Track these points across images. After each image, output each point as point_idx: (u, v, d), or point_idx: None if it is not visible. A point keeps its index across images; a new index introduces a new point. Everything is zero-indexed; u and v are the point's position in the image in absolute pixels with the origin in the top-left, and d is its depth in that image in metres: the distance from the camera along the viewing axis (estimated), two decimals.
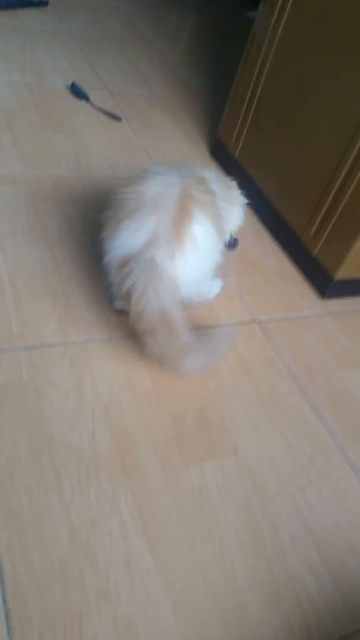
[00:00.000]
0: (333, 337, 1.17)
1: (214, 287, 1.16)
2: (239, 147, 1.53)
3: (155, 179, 0.91)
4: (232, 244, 1.12)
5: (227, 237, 1.07)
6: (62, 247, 1.15)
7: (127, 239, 0.89)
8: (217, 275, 1.18)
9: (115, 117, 1.64)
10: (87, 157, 1.45)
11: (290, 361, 1.08)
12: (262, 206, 1.43)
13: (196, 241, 0.90)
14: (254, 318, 1.16)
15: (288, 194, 1.35)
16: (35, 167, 1.35)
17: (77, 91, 1.68)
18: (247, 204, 1.12)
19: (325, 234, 1.24)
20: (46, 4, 2.26)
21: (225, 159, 1.59)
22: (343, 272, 1.22)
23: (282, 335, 1.14)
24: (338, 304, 1.26)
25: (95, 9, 2.46)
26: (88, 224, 1.24)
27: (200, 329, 1.09)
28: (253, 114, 1.47)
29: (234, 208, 1.08)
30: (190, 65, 2.22)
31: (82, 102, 1.67)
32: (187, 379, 0.98)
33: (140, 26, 2.45)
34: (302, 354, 1.11)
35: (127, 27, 2.38)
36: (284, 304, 1.22)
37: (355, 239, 1.16)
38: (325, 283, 1.25)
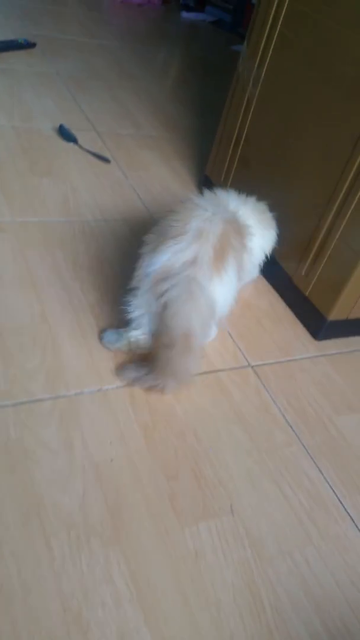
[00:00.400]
0: (329, 381, 1.15)
1: (212, 331, 1.15)
2: (228, 185, 1.53)
3: (198, 212, 0.97)
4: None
5: (262, 258, 1.20)
6: (51, 296, 1.13)
7: (169, 256, 0.93)
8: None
9: (103, 159, 1.64)
10: (76, 201, 1.44)
11: (287, 408, 1.06)
12: None
13: (228, 275, 0.96)
14: (249, 363, 1.14)
15: (279, 234, 1.34)
16: (23, 213, 1.34)
17: (65, 133, 1.69)
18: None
19: (317, 275, 1.23)
20: (33, 45, 2.29)
21: None
22: (336, 314, 1.20)
23: (277, 380, 1.11)
24: (332, 345, 1.24)
25: (81, 48, 2.49)
26: (77, 269, 1.22)
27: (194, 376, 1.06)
28: (241, 153, 1.48)
29: (267, 230, 1.20)
30: (178, 103, 2.24)
31: (71, 145, 1.67)
32: (181, 431, 0.95)
33: (127, 64, 2.48)
34: (298, 400, 1.08)
35: (114, 65, 2.41)
36: (278, 346, 1.20)
37: (346, 280, 1.15)
38: (318, 324, 1.23)
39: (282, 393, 1.09)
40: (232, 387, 1.07)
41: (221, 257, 0.94)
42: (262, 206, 1.20)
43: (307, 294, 1.26)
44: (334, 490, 0.94)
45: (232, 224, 1.00)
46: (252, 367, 1.13)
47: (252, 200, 1.17)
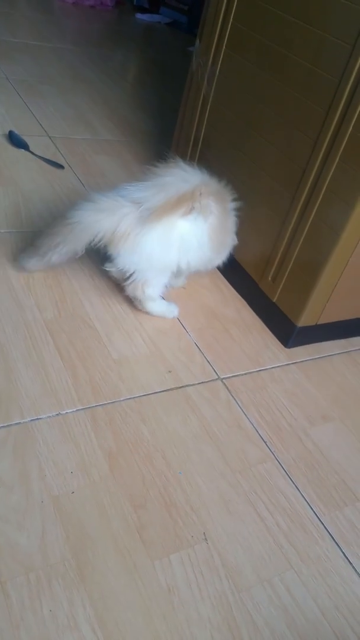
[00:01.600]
0: (301, 390, 1.10)
1: (168, 312, 1.18)
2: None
3: (176, 172, 1.06)
4: None
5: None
6: (2, 313, 1.05)
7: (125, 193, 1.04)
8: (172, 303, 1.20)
9: (57, 165, 1.57)
10: (29, 211, 1.37)
11: (259, 421, 1.01)
12: None
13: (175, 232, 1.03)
14: (218, 375, 1.08)
15: (242, 238, 1.29)
16: None
17: (15, 139, 1.60)
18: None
19: (284, 280, 1.18)
20: None
21: None
22: (305, 319, 1.16)
23: (248, 392, 1.06)
24: (303, 352, 1.20)
25: (33, 52, 2.41)
26: (31, 285, 1.15)
27: (160, 392, 1.00)
28: (200, 154, 1.43)
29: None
30: (134, 106, 2.18)
31: (21, 151, 1.59)
32: (148, 455, 0.89)
33: (81, 67, 2.41)
34: (271, 413, 1.03)
35: (67, 69, 2.34)
36: (248, 356, 1.15)
37: (314, 285, 1.11)
38: (287, 331, 1.19)
39: (254, 406, 1.03)
40: (201, 403, 1.01)
41: (171, 210, 1.00)
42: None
43: (274, 300, 1.21)
44: (312, 508, 0.89)
45: (210, 187, 1.06)
46: (222, 379, 1.08)
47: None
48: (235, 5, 1.20)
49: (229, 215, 1.12)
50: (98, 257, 1.27)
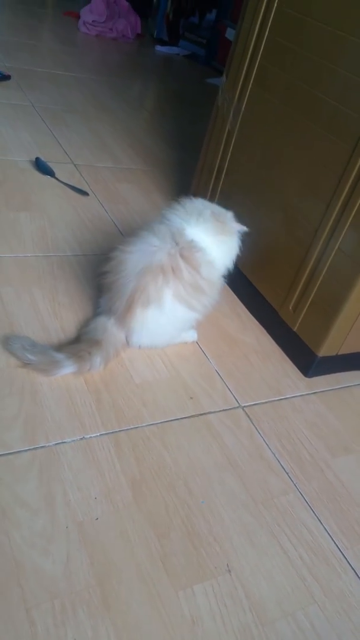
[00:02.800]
0: (322, 420, 1.10)
1: (188, 337, 1.19)
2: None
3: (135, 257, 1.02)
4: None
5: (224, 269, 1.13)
6: (29, 336, 1.07)
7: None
8: (193, 326, 1.20)
9: (82, 192, 1.60)
10: (54, 235, 1.39)
11: (281, 452, 1.00)
12: (237, 279, 1.38)
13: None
14: (239, 403, 1.08)
15: (263, 268, 1.31)
16: None
17: (42, 166, 1.64)
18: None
19: (305, 310, 1.19)
20: (9, 77, 2.26)
21: None
22: (326, 350, 1.16)
23: (269, 421, 1.06)
24: (323, 382, 1.20)
25: (57, 81, 2.47)
26: (57, 307, 1.16)
27: (182, 419, 1.01)
28: (222, 185, 1.45)
29: (225, 242, 1.11)
30: (155, 135, 2.23)
31: (48, 178, 1.62)
32: (171, 483, 0.89)
33: (103, 97, 2.47)
34: (292, 443, 1.03)
35: (90, 98, 2.40)
36: (268, 384, 1.15)
37: (336, 315, 1.12)
38: (308, 361, 1.19)
39: (275, 435, 1.03)
40: (223, 431, 1.01)
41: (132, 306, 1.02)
42: (226, 215, 1.12)
43: (295, 329, 1.22)
44: (334, 541, 0.88)
45: (171, 260, 1.01)
46: (243, 407, 1.08)
47: (210, 211, 1.10)
48: (263, 45, 1.24)
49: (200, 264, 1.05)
50: None
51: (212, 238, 1.07)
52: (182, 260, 1.02)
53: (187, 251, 1.02)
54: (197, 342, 1.20)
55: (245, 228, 1.13)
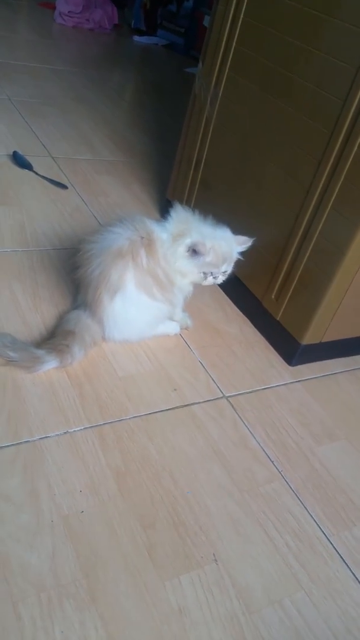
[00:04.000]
0: (306, 408, 1.10)
1: (169, 329, 1.18)
2: (190, 208, 1.49)
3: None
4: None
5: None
6: (10, 331, 1.05)
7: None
8: (185, 313, 1.21)
9: (60, 185, 1.58)
10: (34, 229, 1.37)
11: (266, 441, 1.01)
12: None
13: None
14: (223, 393, 1.08)
15: (245, 258, 1.30)
16: None
17: (19, 160, 1.62)
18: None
19: (287, 298, 1.19)
20: None
21: None
22: (309, 338, 1.17)
23: (253, 411, 1.06)
24: (307, 370, 1.21)
25: (34, 74, 2.44)
26: (38, 302, 1.15)
27: (166, 411, 1.00)
28: (202, 175, 1.44)
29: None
30: (134, 127, 2.21)
31: (26, 172, 1.60)
32: (156, 474, 0.88)
33: (81, 89, 2.44)
34: (277, 431, 1.03)
35: (68, 90, 2.37)
36: (252, 374, 1.15)
37: (318, 303, 1.12)
38: (291, 349, 1.19)
39: (260, 424, 1.04)
40: (207, 421, 1.01)
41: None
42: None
43: (278, 318, 1.22)
44: (320, 528, 0.89)
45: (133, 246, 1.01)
46: (227, 397, 1.08)
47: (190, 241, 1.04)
48: (238, 29, 1.23)
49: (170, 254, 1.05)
50: None
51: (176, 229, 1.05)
52: (141, 247, 1.01)
53: (146, 238, 1.02)
54: (180, 334, 1.20)
55: (246, 246, 1.11)
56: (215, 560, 0.80)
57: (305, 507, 0.91)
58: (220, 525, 0.84)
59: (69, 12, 3.43)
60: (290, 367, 1.20)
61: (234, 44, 1.25)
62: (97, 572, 0.74)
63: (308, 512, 0.90)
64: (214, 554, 0.80)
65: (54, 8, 3.50)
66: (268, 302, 1.25)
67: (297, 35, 1.09)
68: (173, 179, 1.56)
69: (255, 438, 1.01)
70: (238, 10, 1.22)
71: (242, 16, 1.21)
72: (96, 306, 1.03)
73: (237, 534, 0.84)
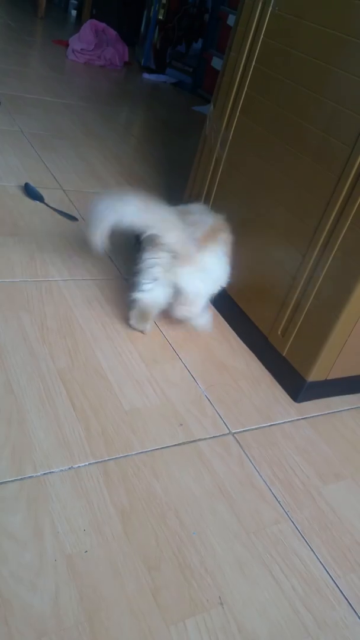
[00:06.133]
0: (312, 446, 1.09)
1: (203, 320, 1.30)
2: None
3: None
4: None
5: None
6: (17, 363, 1.06)
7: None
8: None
9: (71, 218, 1.60)
10: (43, 260, 1.39)
11: (272, 479, 0.99)
12: (225, 304, 1.39)
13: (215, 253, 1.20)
14: (229, 430, 1.07)
15: (252, 292, 1.31)
16: None
17: (31, 192, 1.65)
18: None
19: (293, 335, 1.19)
20: None
21: None
22: (315, 375, 1.16)
23: (259, 448, 1.05)
24: (313, 407, 1.20)
25: (46, 107, 2.50)
26: (45, 333, 1.15)
27: (172, 447, 1.00)
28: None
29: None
30: (143, 161, 2.25)
31: (37, 203, 1.63)
32: (162, 513, 0.87)
33: (91, 123, 2.49)
34: (284, 470, 1.02)
35: (78, 124, 2.42)
36: (258, 410, 1.15)
37: (324, 340, 1.12)
38: (297, 386, 1.19)
39: (266, 462, 1.03)
40: (213, 458, 1.00)
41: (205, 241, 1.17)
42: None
43: (284, 354, 1.22)
44: (327, 571, 0.87)
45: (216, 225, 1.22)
46: (233, 434, 1.07)
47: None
48: (250, 75, 1.26)
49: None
50: (109, 305, 1.29)
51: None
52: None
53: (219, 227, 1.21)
54: (186, 368, 1.19)
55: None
56: (221, 603, 0.78)
57: (311, 548, 0.90)
58: (226, 567, 0.83)
59: (81, 49, 3.53)
60: (296, 404, 1.20)
61: (245, 89, 1.28)
62: (100, 615, 0.73)
63: (314, 554, 0.89)
64: (219, 597, 0.79)
65: (67, 45, 3.60)
66: (274, 338, 1.25)
67: (307, 83, 1.12)
68: None
69: (261, 476, 0.99)
70: (250, 58, 1.26)
71: (253, 63, 1.25)
72: (200, 249, 1.14)
73: (243, 576, 0.82)
